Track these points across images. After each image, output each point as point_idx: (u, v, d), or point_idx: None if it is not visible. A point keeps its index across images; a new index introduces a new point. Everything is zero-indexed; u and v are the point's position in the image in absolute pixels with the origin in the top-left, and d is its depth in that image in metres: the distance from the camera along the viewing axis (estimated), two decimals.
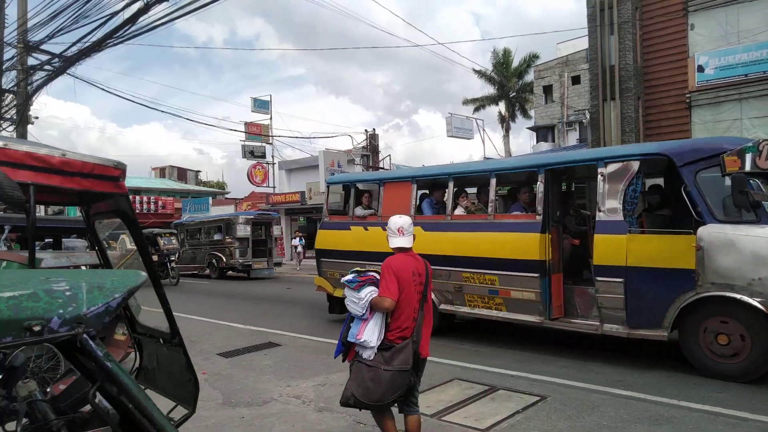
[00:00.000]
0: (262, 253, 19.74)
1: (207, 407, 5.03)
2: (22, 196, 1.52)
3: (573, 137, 22.95)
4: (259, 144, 29.16)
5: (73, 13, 10.23)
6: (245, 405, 5.06)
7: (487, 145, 40.88)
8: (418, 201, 8.37)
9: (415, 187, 8.13)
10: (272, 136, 29.16)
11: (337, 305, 9.10)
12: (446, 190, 7.88)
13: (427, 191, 8.68)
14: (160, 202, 38.54)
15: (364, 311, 3.43)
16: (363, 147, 26.11)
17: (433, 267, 7.39)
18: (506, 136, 33.69)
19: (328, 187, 9.81)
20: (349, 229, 8.73)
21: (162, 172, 52.17)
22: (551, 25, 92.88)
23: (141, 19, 9.05)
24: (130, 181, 42.52)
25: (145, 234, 18.97)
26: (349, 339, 3.48)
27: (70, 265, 5.75)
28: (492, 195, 7.32)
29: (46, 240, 10.64)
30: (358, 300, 3.45)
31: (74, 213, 38.14)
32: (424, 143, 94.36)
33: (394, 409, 3.67)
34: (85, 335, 1.03)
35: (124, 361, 6.29)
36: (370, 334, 3.39)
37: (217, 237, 20.23)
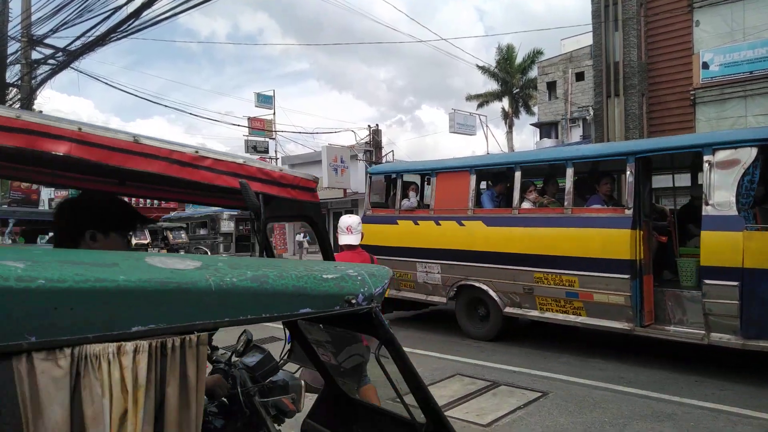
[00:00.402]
0: (245, 247, 20.42)
1: None
2: (258, 202, 1.93)
3: (576, 134, 22.90)
4: (262, 139, 29.18)
5: (77, 7, 10.22)
6: None
7: (490, 141, 40.90)
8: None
9: (475, 177, 7.38)
10: (275, 131, 29.17)
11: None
12: (510, 182, 7.23)
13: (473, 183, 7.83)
14: None
15: None
16: (366, 143, 26.10)
17: (497, 266, 7.22)
18: (509, 132, 33.64)
19: (370, 177, 9.11)
20: (397, 224, 8.05)
21: None
22: (555, 20, 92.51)
23: (145, 13, 9.05)
24: None
25: (154, 228, 18.71)
26: None
27: None
28: (569, 186, 6.55)
29: (50, 234, 10.69)
30: None
31: None
32: (427, 139, 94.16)
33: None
34: (376, 308, 1.39)
35: None
36: None
37: (202, 232, 20.68)
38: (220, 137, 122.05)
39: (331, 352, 2.26)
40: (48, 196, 40.51)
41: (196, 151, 1.81)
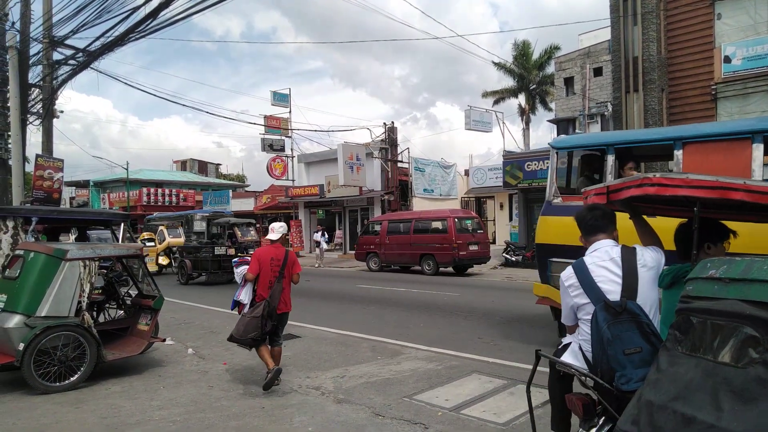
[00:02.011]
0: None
1: (228, 397, 5.11)
2: None
3: (595, 130, 22.60)
4: (278, 137, 29.32)
5: (97, 8, 10.37)
6: (266, 395, 5.12)
7: (507, 138, 40.54)
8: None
9: (762, 147, 5.26)
10: (291, 129, 29.29)
11: None
12: None
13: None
14: (181, 195, 39.07)
15: (240, 280, 5.48)
16: (382, 140, 26.07)
17: None
18: (526, 128, 33.40)
19: (556, 153, 6.69)
20: None
21: (183, 165, 52.80)
22: (572, 15, 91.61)
23: (162, 13, 9.15)
24: (152, 174, 43.21)
25: (221, 223, 17.21)
26: (234, 298, 5.53)
27: (94, 257, 5.86)
28: None
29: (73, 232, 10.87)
30: (237, 274, 5.57)
31: (98, 205, 38.69)
32: (443, 136, 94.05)
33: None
34: None
35: (148, 352, 6.41)
36: (244, 295, 5.41)
37: (179, 231, 21.30)
38: (235, 135, 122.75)
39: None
40: (69, 195, 41.23)
41: None
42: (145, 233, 20.18)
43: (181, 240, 19.88)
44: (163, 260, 19.17)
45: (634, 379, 2.33)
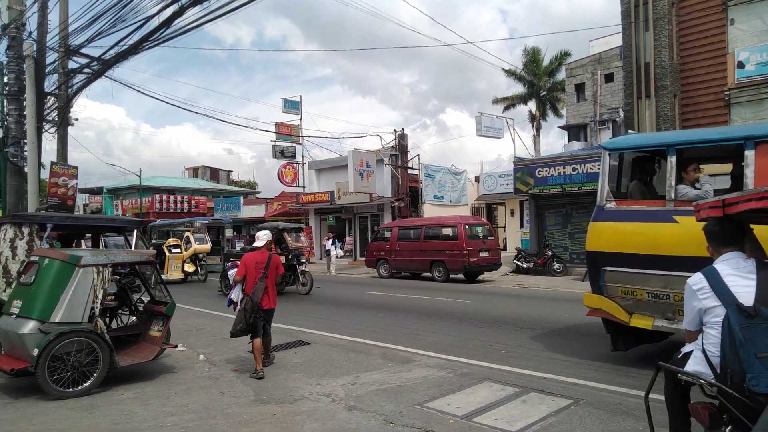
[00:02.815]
0: (216, 251, 21.97)
1: (239, 404, 5.11)
2: None
3: (606, 136, 22.48)
4: (289, 144, 29.48)
5: (112, 18, 10.51)
6: (276, 402, 5.12)
7: (517, 144, 40.48)
8: None
9: None
10: (302, 136, 29.43)
11: (625, 339, 6.26)
12: None
13: None
14: (193, 202, 39.36)
15: (231, 282, 6.50)
16: (392, 147, 26.11)
17: None
18: (537, 135, 33.29)
19: (609, 155, 6.31)
20: (673, 221, 5.49)
21: (195, 172, 53.19)
22: (581, 21, 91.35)
23: (175, 22, 9.24)
24: (164, 181, 43.54)
25: (269, 227, 15.83)
26: (228, 297, 6.59)
27: (107, 263, 5.91)
28: None
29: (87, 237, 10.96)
30: (229, 276, 6.71)
31: (111, 212, 39.04)
32: (453, 143, 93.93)
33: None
34: None
35: (160, 358, 6.45)
36: (235, 294, 6.39)
37: (205, 237, 21.66)
38: (246, 142, 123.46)
39: None
40: (83, 201, 41.67)
41: None
42: (171, 239, 20.04)
43: (207, 247, 19.68)
44: (189, 267, 18.73)
45: (765, 383, 2.39)
